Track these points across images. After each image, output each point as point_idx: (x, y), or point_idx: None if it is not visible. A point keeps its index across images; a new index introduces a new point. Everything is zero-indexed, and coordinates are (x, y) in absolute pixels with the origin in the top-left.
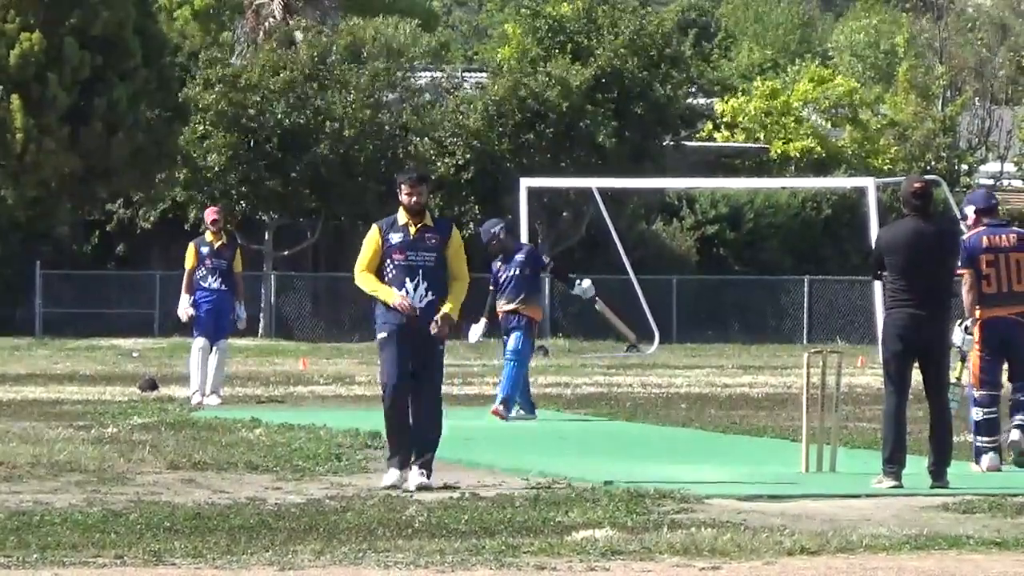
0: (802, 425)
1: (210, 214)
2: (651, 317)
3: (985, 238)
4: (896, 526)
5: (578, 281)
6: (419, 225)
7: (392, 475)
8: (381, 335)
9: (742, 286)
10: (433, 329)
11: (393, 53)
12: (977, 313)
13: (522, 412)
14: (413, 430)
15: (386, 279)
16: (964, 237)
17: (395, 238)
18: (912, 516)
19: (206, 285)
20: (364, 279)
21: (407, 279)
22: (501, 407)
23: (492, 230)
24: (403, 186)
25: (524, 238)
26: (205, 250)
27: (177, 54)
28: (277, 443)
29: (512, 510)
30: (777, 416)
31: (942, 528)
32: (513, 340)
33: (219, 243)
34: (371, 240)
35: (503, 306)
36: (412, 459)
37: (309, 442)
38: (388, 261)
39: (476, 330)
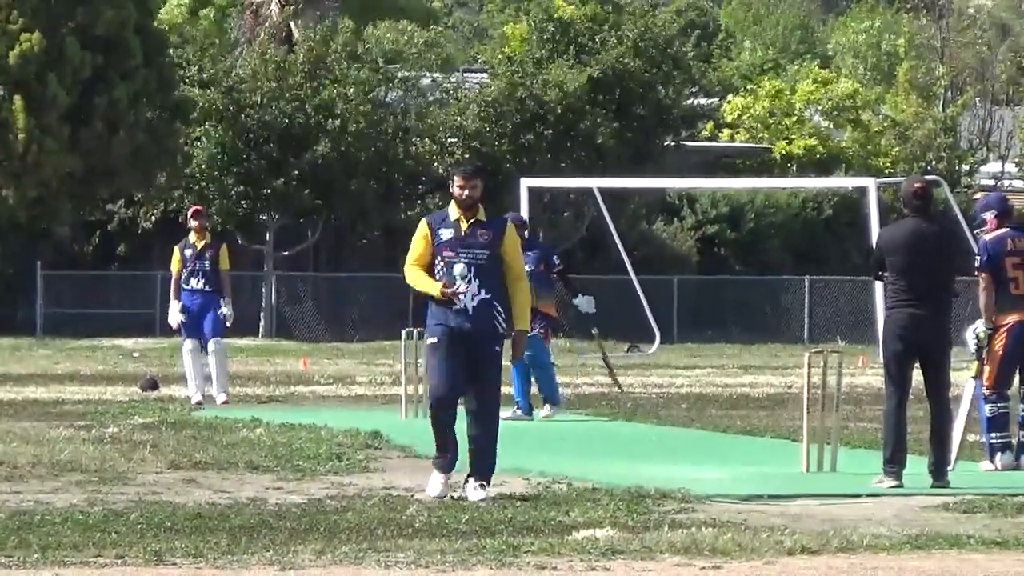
0: (803, 425)
1: (192, 211)
2: (652, 317)
3: (1010, 240)
4: (897, 526)
5: (581, 296)
6: (471, 220)
7: (437, 480)
8: (431, 340)
9: (743, 286)
10: (513, 357)
11: (398, 57)
12: (1006, 318)
13: (519, 412)
14: (472, 444)
15: (436, 278)
16: (985, 239)
17: (446, 234)
18: (913, 516)
19: (188, 287)
20: (412, 273)
21: (459, 277)
22: (548, 408)
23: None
24: (456, 178)
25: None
26: (188, 252)
27: (181, 49)
28: (278, 443)
29: (512, 510)
30: (778, 416)
31: (943, 528)
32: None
33: (202, 244)
34: (420, 235)
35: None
36: (469, 472)
37: (310, 442)
38: (439, 259)
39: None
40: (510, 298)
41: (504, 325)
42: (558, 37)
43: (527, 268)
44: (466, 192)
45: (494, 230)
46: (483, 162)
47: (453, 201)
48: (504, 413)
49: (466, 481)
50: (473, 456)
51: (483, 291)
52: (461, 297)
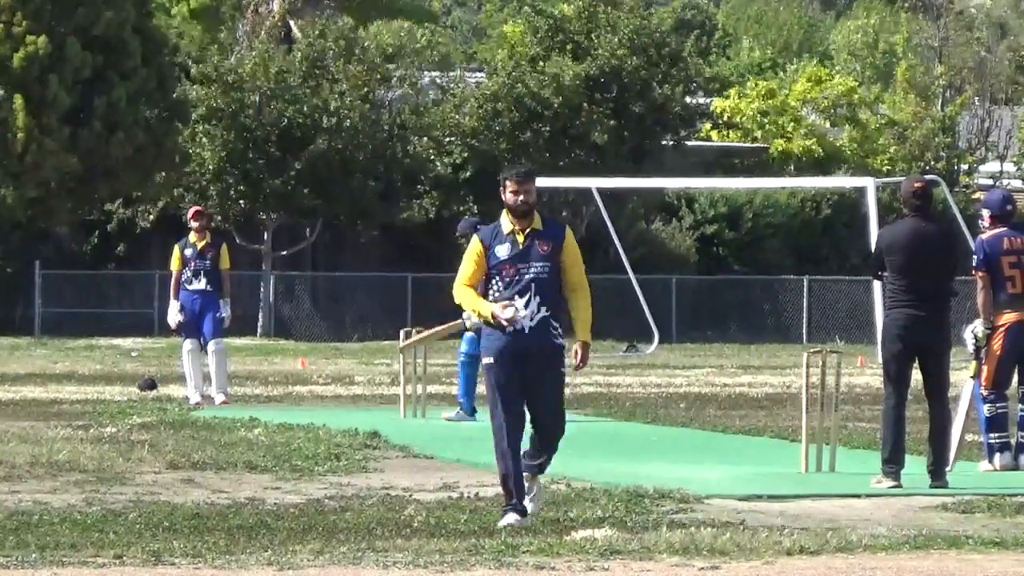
0: (802, 425)
1: (193, 212)
2: (651, 317)
3: (1006, 239)
4: (895, 526)
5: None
6: (527, 231)
7: (511, 518)
8: (487, 360)
9: (741, 286)
10: (578, 366)
11: (397, 55)
12: (1003, 317)
13: (462, 413)
14: (536, 458)
15: (492, 297)
16: (982, 238)
17: (502, 251)
18: (911, 516)
19: (190, 287)
20: (463, 294)
21: (517, 296)
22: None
23: (479, 226)
24: (508, 183)
25: None
26: (189, 252)
27: (176, 53)
28: (276, 443)
29: None
30: (776, 416)
31: (941, 528)
32: (466, 343)
33: (203, 243)
34: (473, 252)
35: None
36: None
37: (308, 442)
38: (496, 277)
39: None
40: (571, 309)
41: (562, 340)
42: (552, 33)
43: None
44: (520, 197)
45: (553, 239)
46: (482, 160)
47: (505, 210)
48: (447, 413)
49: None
50: (537, 471)
51: (543, 308)
52: (517, 322)
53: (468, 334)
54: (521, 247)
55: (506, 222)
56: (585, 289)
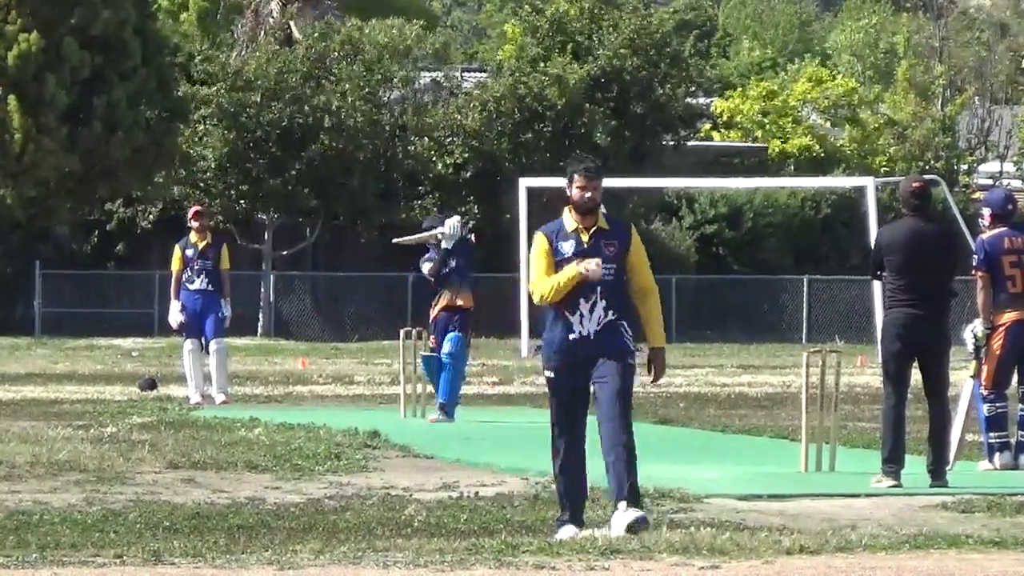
0: (801, 424)
1: (193, 212)
2: None
3: (1007, 239)
4: (895, 525)
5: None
6: (592, 230)
7: (568, 531)
8: (548, 373)
9: (741, 286)
10: (654, 379)
11: (393, 53)
12: (1003, 317)
13: (444, 415)
14: (608, 461)
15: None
16: (983, 237)
17: (567, 247)
18: (911, 515)
19: (192, 287)
20: (543, 285)
21: (582, 298)
22: (440, 415)
23: (440, 226)
24: (576, 178)
25: (523, 238)
26: (190, 252)
27: (177, 54)
28: (276, 442)
29: (511, 510)
30: (776, 415)
31: (941, 527)
32: (449, 343)
33: (204, 243)
34: (541, 250)
35: (445, 303)
36: (615, 497)
37: (308, 441)
38: None
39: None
40: (643, 314)
41: (633, 344)
42: (552, 34)
43: (452, 263)
44: (588, 194)
45: (619, 239)
46: (484, 161)
47: (569, 207)
48: (431, 416)
49: (614, 509)
50: (614, 476)
51: (610, 312)
52: (594, 272)
53: (452, 334)
54: (586, 246)
55: (569, 219)
56: (654, 292)
